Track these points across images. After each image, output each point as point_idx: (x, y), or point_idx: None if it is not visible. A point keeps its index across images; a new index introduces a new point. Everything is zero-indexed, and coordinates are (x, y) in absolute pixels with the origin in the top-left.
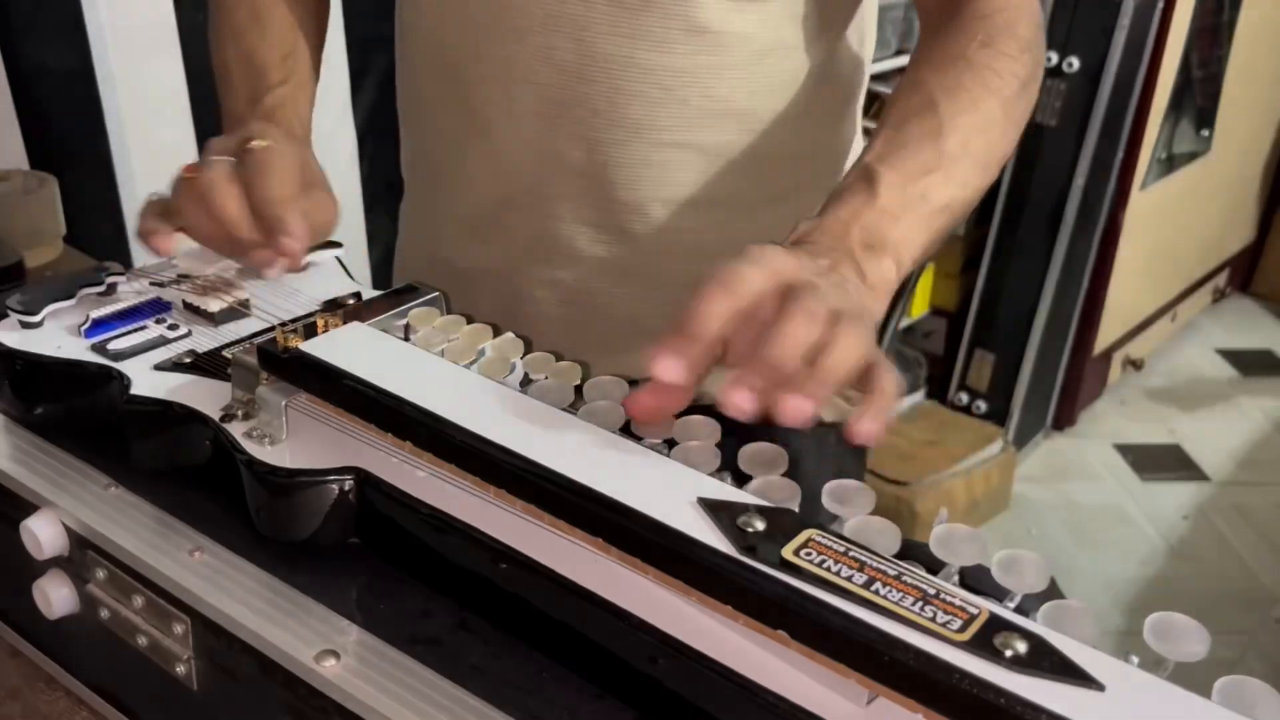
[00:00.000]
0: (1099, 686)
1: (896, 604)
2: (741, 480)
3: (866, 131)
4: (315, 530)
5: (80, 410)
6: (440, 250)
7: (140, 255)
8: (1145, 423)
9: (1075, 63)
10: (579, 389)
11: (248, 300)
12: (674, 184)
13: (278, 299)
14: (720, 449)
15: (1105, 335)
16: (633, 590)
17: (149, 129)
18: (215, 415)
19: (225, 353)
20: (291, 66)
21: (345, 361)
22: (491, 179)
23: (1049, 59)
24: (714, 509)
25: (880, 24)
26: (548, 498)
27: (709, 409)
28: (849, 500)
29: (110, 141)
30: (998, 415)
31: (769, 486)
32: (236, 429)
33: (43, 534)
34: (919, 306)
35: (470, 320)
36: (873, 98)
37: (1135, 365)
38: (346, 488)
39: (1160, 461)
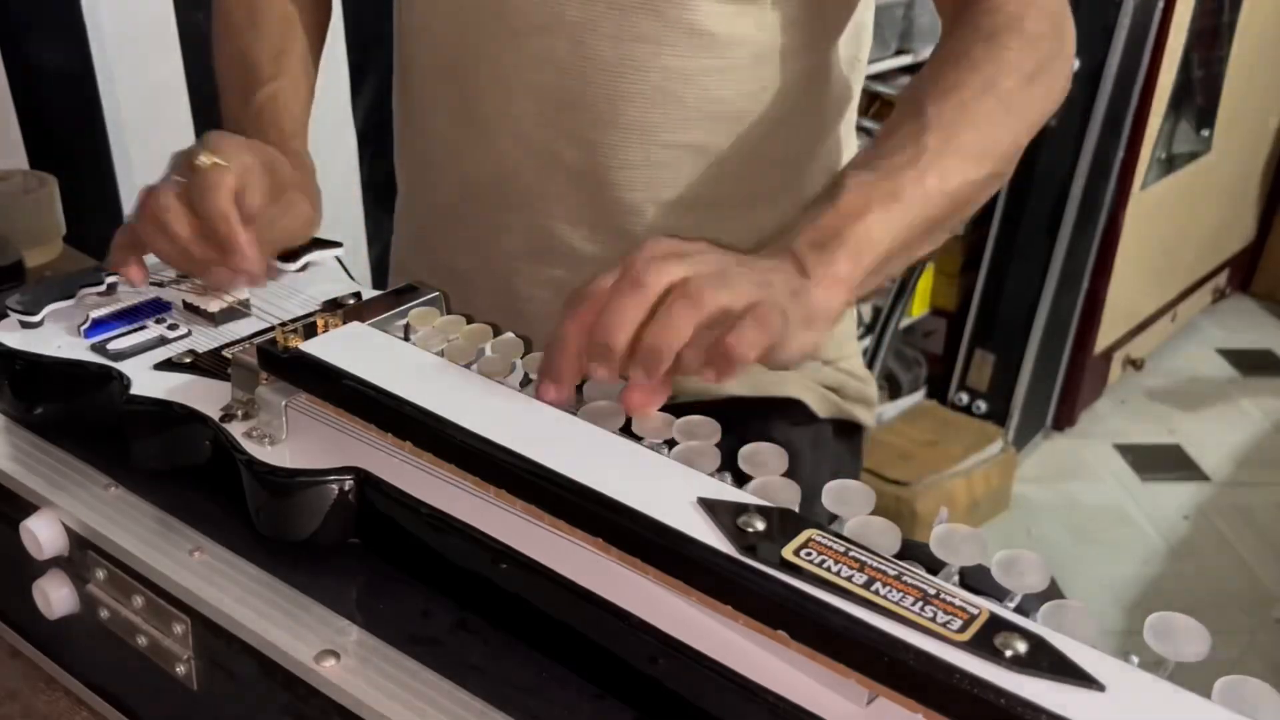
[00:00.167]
0: (1099, 686)
1: (896, 604)
2: (741, 480)
3: (863, 131)
4: (315, 530)
5: (80, 410)
6: (436, 249)
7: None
8: (1145, 423)
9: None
10: (579, 389)
11: (248, 300)
12: (671, 185)
13: (278, 299)
14: (720, 449)
15: (1105, 335)
16: (633, 590)
17: (149, 129)
18: (215, 415)
19: (225, 353)
20: (284, 64)
21: (345, 361)
22: (489, 178)
23: None
24: (714, 509)
25: (879, 24)
26: (548, 498)
27: (709, 409)
28: (849, 500)
29: (110, 141)
30: (998, 415)
31: (769, 486)
32: (236, 429)
33: (43, 534)
34: (919, 306)
35: (470, 320)
36: (871, 98)
37: (1135, 365)
38: (346, 488)
39: (1160, 461)
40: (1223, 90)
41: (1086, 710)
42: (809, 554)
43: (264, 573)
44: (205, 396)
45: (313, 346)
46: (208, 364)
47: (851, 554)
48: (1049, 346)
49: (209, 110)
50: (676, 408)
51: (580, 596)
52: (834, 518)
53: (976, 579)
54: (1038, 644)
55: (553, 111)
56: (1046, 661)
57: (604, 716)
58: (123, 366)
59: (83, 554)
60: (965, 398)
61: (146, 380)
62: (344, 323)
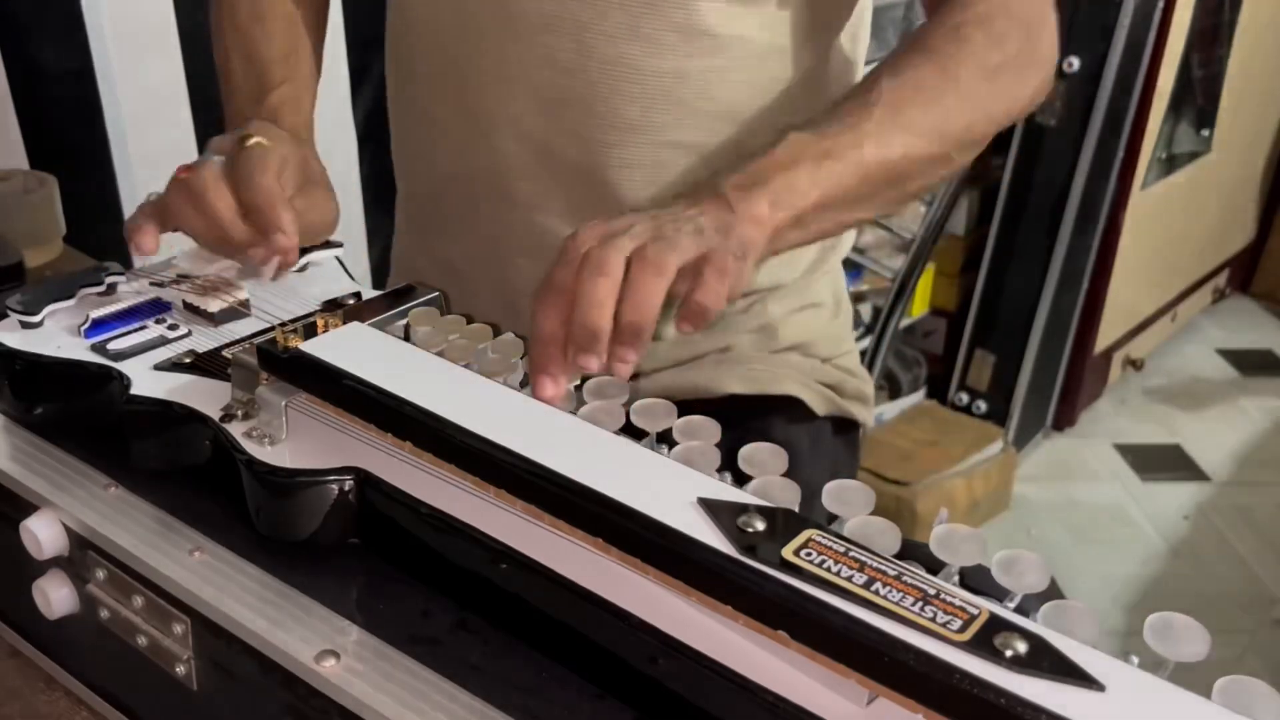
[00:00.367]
0: (1099, 686)
1: (896, 604)
2: (741, 480)
3: None
4: (315, 530)
5: (80, 410)
6: (435, 245)
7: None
8: (1145, 423)
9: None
10: (579, 389)
11: (248, 300)
12: (670, 184)
13: (278, 299)
14: (720, 449)
15: (1105, 335)
16: (633, 590)
17: (149, 129)
18: (215, 415)
19: (225, 353)
20: (294, 65)
21: (345, 361)
22: (488, 175)
23: None
24: (714, 509)
25: (880, 24)
26: (548, 498)
27: (708, 408)
28: (849, 500)
29: (110, 141)
30: (998, 415)
31: (769, 486)
32: (236, 429)
33: (43, 534)
34: (919, 306)
35: (470, 320)
36: None
37: (1135, 365)
38: (346, 488)
39: (1160, 461)
40: (1223, 90)
41: (1086, 710)
42: (809, 554)
43: (264, 573)
44: (205, 396)
45: (313, 346)
46: (208, 364)
47: (851, 554)
48: (1049, 346)
49: (209, 110)
50: (678, 407)
51: (580, 596)
52: (834, 518)
53: (976, 579)
54: (1038, 644)
55: (552, 110)
56: (1046, 661)
57: (604, 716)
58: (123, 366)
59: (83, 554)
60: (965, 398)
61: (146, 380)
62: (344, 323)
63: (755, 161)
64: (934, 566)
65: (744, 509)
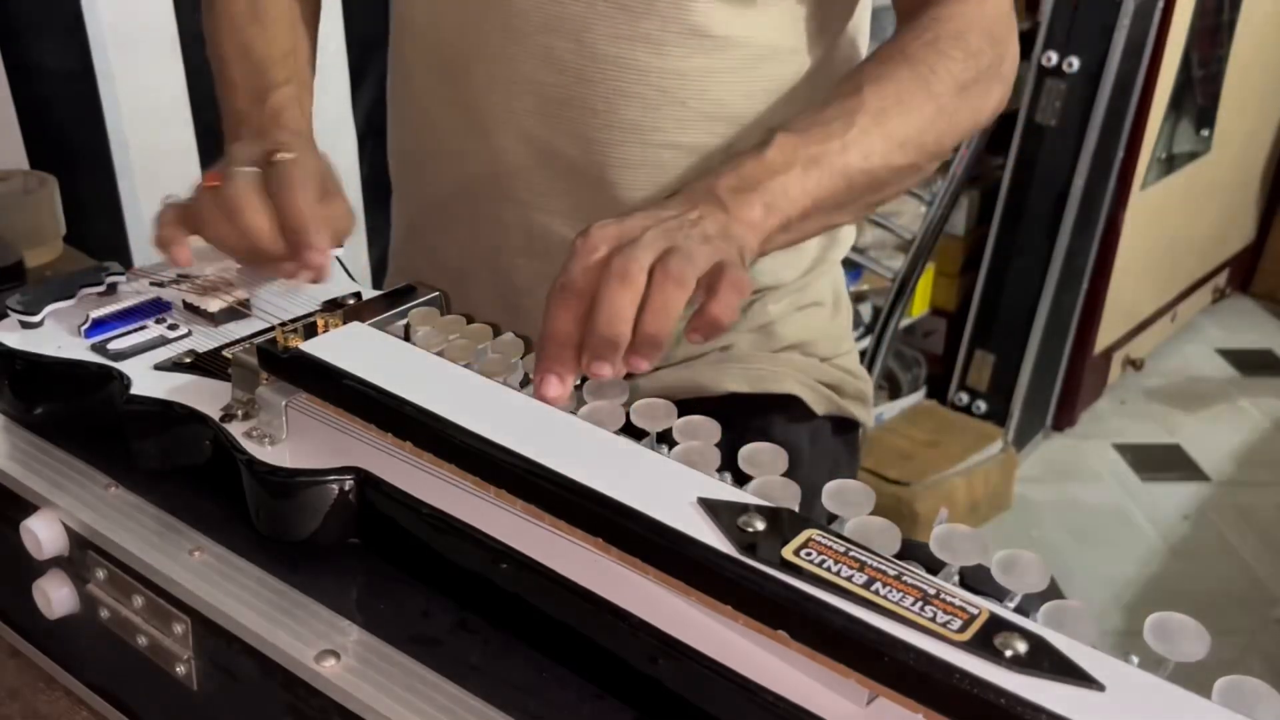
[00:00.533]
0: (1099, 686)
1: (896, 604)
2: (741, 480)
3: None
4: (315, 530)
5: (80, 410)
6: (434, 245)
7: (140, 255)
8: (1145, 423)
9: (1075, 63)
10: (579, 388)
11: (248, 300)
12: (670, 184)
13: (278, 299)
14: (720, 449)
15: (1105, 335)
16: (633, 590)
17: (149, 129)
18: (215, 415)
19: (225, 353)
20: (294, 65)
21: (345, 361)
22: (487, 175)
23: (1049, 58)
24: (714, 509)
25: (880, 24)
26: (548, 498)
27: (708, 407)
28: (849, 500)
29: (110, 141)
30: (998, 415)
31: (769, 486)
32: (236, 429)
33: (43, 534)
34: (919, 306)
35: (470, 320)
36: None
37: (1135, 365)
38: (346, 488)
39: (1160, 461)
40: (1223, 90)
41: (1086, 710)
42: (809, 554)
43: (264, 573)
44: (205, 396)
45: (313, 346)
46: (208, 364)
47: (851, 554)
48: (1049, 346)
49: (209, 110)
50: (676, 405)
51: (580, 596)
52: (834, 518)
53: (976, 579)
54: (1038, 644)
55: (552, 110)
56: (1046, 661)
57: (604, 716)
58: (123, 366)
59: (83, 554)
60: (965, 398)
61: (146, 380)
62: (344, 323)
63: (746, 163)
64: (934, 566)
65: (744, 509)
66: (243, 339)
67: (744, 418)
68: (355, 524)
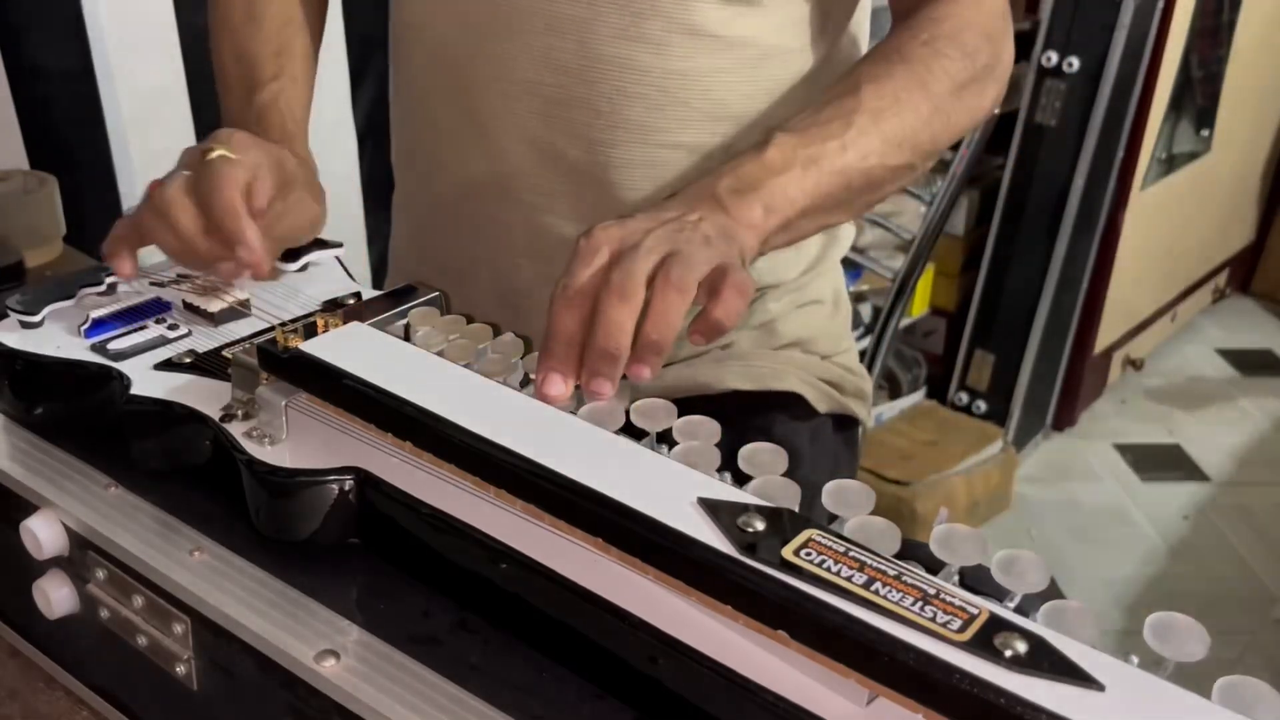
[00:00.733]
0: (1099, 686)
1: (896, 604)
2: (741, 480)
3: None
4: (315, 530)
5: (80, 410)
6: (436, 245)
7: (141, 255)
8: (1145, 423)
9: (1075, 63)
10: (580, 389)
11: (248, 300)
12: (671, 184)
13: (278, 299)
14: (720, 449)
15: (1105, 335)
16: (633, 590)
17: (149, 129)
18: (215, 415)
19: (225, 353)
20: (283, 63)
21: (345, 361)
22: (488, 174)
23: (1049, 58)
24: (714, 509)
25: (880, 25)
26: (548, 498)
27: (709, 404)
28: (849, 500)
29: (110, 141)
30: (998, 415)
31: (769, 486)
32: (236, 429)
33: (43, 534)
34: (919, 306)
35: (470, 320)
36: None
37: (1135, 365)
38: (346, 488)
39: (1160, 461)
40: (1223, 90)
41: (1086, 710)
42: (809, 554)
43: (264, 573)
44: (205, 396)
45: (313, 346)
46: (208, 364)
47: (851, 554)
48: (1049, 346)
49: (209, 110)
50: (677, 403)
51: (580, 596)
52: (834, 518)
53: (976, 579)
54: (1038, 644)
55: (554, 110)
56: (1046, 661)
57: (604, 716)
58: (123, 366)
59: (83, 554)
60: (965, 398)
61: (146, 380)
62: (344, 323)
63: (745, 164)
64: (934, 566)
65: (744, 509)
66: (243, 339)
67: (745, 415)
68: (355, 524)
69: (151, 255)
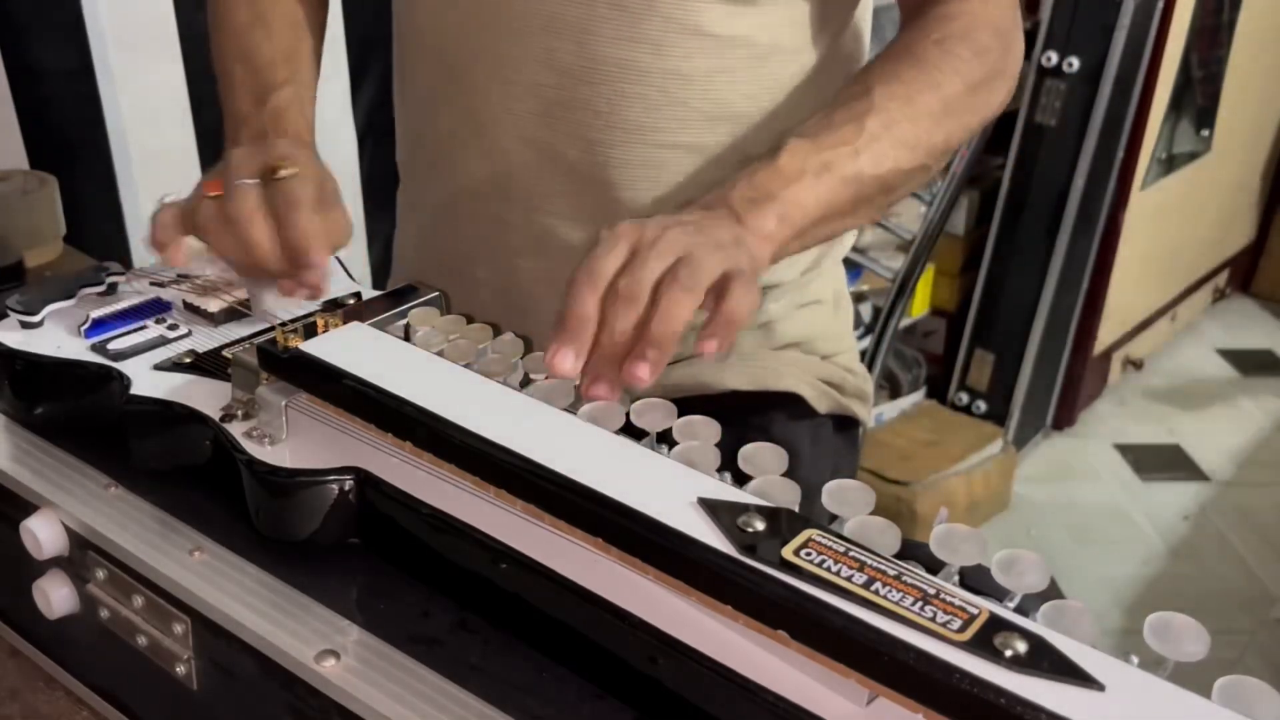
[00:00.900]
0: (1099, 686)
1: (896, 604)
2: (741, 480)
3: None
4: (315, 530)
5: (80, 410)
6: (439, 245)
7: (140, 255)
8: (1145, 423)
9: (1075, 63)
10: (579, 389)
11: (248, 300)
12: (672, 184)
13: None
14: (720, 449)
15: (1105, 335)
16: (633, 590)
17: (149, 129)
18: (215, 415)
19: (225, 353)
20: (295, 66)
21: (345, 361)
22: (489, 175)
23: (1049, 58)
24: (714, 509)
25: (879, 24)
26: (548, 498)
27: (710, 404)
28: (849, 500)
29: (110, 141)
30: (998, 415)
31: (769, 486)
32: (236, 429)
33: (43, 534)
34: (919, 306)
35: (470, 320)
36: None
37: (1135, 365)
38: (346, 488)
39: (1160, 461)
40: (1223, 90)
41: (1086, 710)
42: (809, 554)
43: (264, 573)
44: (205, 396)
45: (313, 346)
46: (208, 364)
47: (851, 554)
48: (1049, 346)
49: (209, 110)
50: (678, 403)
51: (580, 596)
52: (834, 518)
53: (976, 579)
54: (1038, 644)
55: (554, 111)
56: (1046, 661)
57: (604, 716)
58: (123, 366)
59: (83, 554)
60: (965, 398)
61: (146, 380)
62: (344, 323)
63: (759, 172)
64: (934, 566)
65: (744, 509)
66: (243, 339)
67: (745, 415)
68: (355, 524)
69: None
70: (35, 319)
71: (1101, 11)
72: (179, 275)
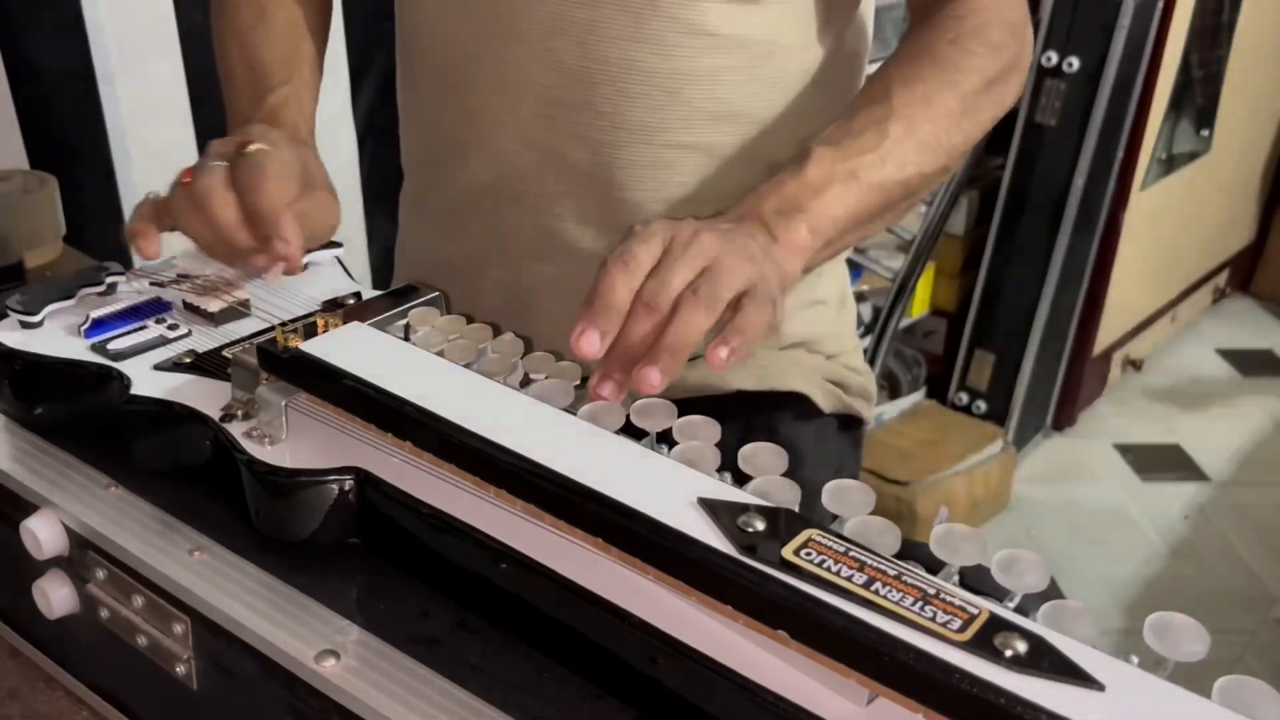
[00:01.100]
0: (1099, 686)
1: (896, 604)
2: (741, 480)
3: None
4: (315, 530)
5: (80, 410)
6: (441, 245)
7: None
8: (1145, 423)
9: (1075, 63)
10: (579, 389)
11: (248, 300)
12: (676, 184)
13: (278, 299)
14: (720, 449)
15: (1105, 335)
16: (633, 590)
17: (149, 129)
18: (215, 415)
19: (225, 353)
20: (294, 66)
21: (345, 361)
22: (493, 177)
23: (1049, 58)
24: (714, 509)
25: (880, 24)
26: (548, 498)
27: (715, 403)
28: (849, 500)
29: (110, 141)
30: (998, 415)
31: (769, 486)
32: (236, 429)
33: (43, 534)
34: (919, 306)
35: (470, 320)
36: None
37: (1135, 365)
38: (346, 488)
39: (1160, 461)
40: (1223, 90)
41: (1086, 710)
42: (809, 554)
43: (264, 573)
44: (205, 396)
45: (313, 346)
46: (208, 364)
47: (851, 554)
48: (1049, 346)
49: (209, 110)
50: (683, 402)
51: (580, 596)
52: (834, 518)
53: (976, 579)
54: (1038, 644)
55: (558, 112)
56: (1046, 661)
57: (604, 716)
58: (123, 366)
59: (83, 554)
60: (965, 398)
61: (146, 380)
62: (344, 323)
63: (788, 183)
64: (934, 566)
65: (744, 509)
66: (243, 339)
67: (750, 415)
68: (355, 524)
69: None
70: (35, 319)
71: (1101, 11)
72: (179, 275)
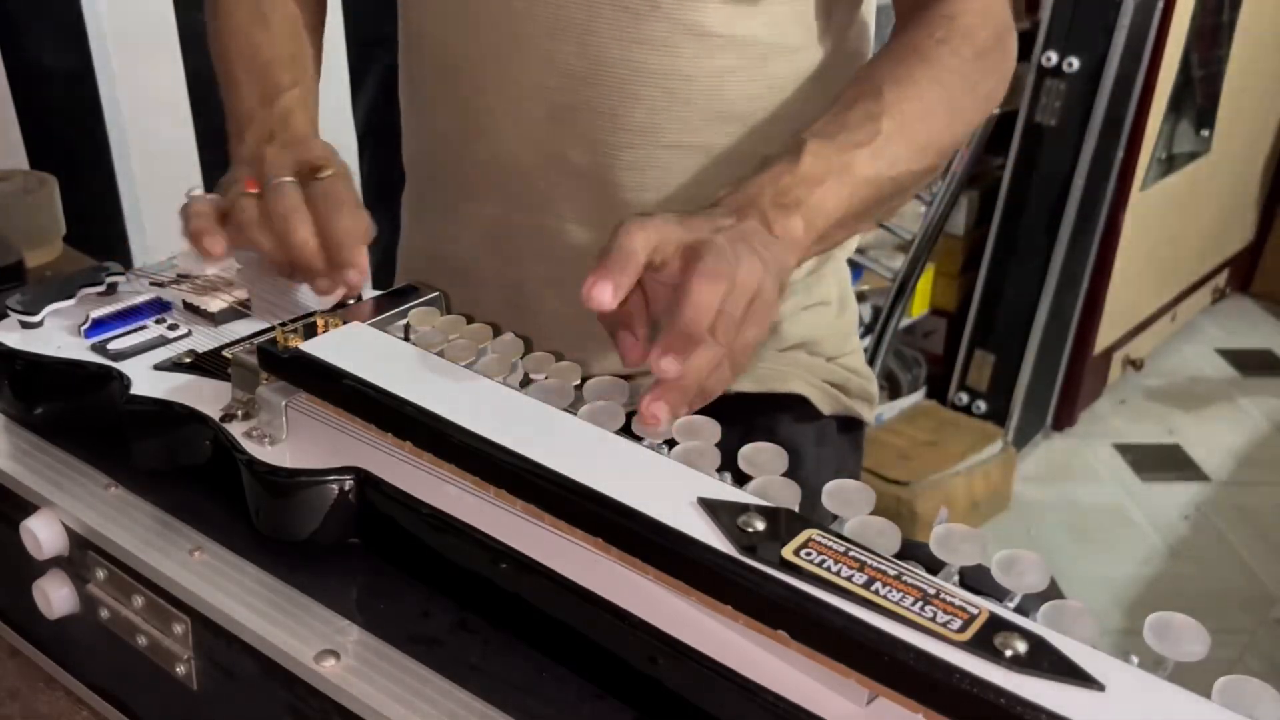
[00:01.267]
0: (1099, 686)
1: (896, 604)
2: (741, 480)
3: None
4: (315, 530)
5: (80, 410)
6: (443, 246)
7: (140, 255)
8: (1145, 423)
9: (1075, 63)
10: (579, 389)
11: (248, 300)
12: (678, 185)
13: (278, 299)
14: (720, 449)
15: (1105, 335)
16: (633, 590)
17: (149, 129)
18: (215, 415)
19: (225, 353)
20: (301, 67)
21: (345, 361)
22: (494, 179)
23: (1049, 58)
24: (714, 509)
25: (880, 24)
26: (548, 498)
27: (715, 405)
28: (849, 500)
29: (110, 141)
30: (998, 415)
31: (769, 486)
32: (236, 429)
33: (43, 534)
34: (919, 306)
35: (470, 320)
36: None
37: (1135, 365)
38: (346, 488)
39: (1160, 461)
40: (1223, 90)
41: (1086, 710)
42: (809, 554)
43: (264, 573)
44: (205, 396)
45: (313, 346)
46: (208, 364)
47: (851, 554)
48: (1049, 346)
49: (209, 110)
50: None
51: (580, 596)
52: (834, 518)
53: (976, 579)
54: (1038, 644)
55: (559, 114)
56: (1046, 661)
57: (604, 716)
58: (123, 366)
59: (83, 554)
60: (965, 398)
61: (146, 380)
62: (344, 323)
63: (783, 176)
64: (934, 566)
65: (744, 509)
66: (243, 339)
67: (751, 417)
68: (355, 524)
69: (153, 255)
70: (35, 319)
71: (1101, 11)
72: (179, 275)
